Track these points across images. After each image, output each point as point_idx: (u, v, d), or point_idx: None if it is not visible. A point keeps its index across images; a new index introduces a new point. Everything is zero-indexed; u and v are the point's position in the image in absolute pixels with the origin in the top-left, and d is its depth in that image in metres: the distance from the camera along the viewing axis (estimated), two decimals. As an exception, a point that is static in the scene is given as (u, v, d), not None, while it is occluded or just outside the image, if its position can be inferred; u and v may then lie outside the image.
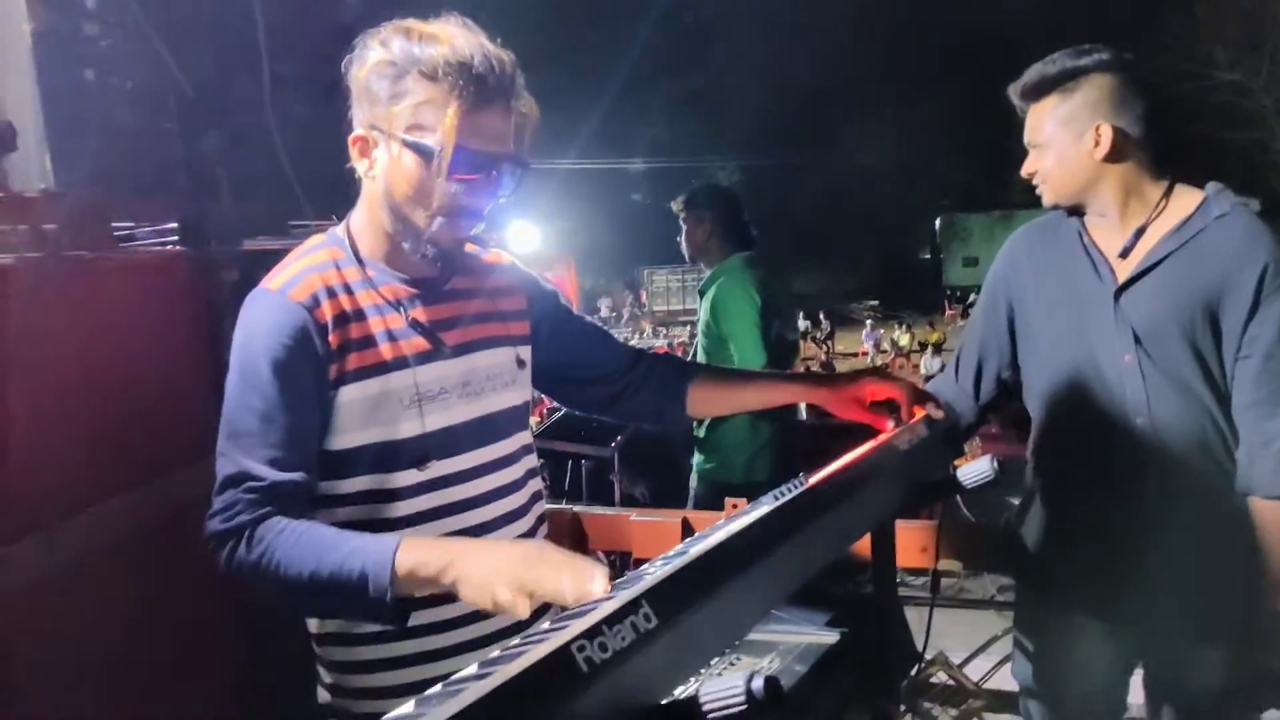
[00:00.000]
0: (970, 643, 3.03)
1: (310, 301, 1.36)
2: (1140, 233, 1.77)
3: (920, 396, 1.56)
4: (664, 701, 0.82)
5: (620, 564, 2.88)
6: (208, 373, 1.71)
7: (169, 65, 1.70)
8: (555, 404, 4.68)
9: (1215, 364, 1.71)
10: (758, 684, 0.79)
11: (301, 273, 1.39)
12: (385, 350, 1.40)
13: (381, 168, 1.38)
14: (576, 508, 2.64)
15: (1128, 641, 1.87)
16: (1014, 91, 1.86)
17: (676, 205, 3.83)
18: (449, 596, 1.36)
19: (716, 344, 3.66)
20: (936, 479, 1.47)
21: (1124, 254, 1.78)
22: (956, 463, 1.55)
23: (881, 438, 1.42)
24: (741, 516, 1.08)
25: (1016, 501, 2.01)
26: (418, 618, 1.33)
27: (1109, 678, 1.93)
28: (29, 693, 1.41)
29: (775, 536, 1.03)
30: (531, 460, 1.61)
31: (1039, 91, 1.81)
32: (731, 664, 1.31)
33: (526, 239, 6.52)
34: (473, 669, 0.86)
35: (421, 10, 1.37)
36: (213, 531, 1.29)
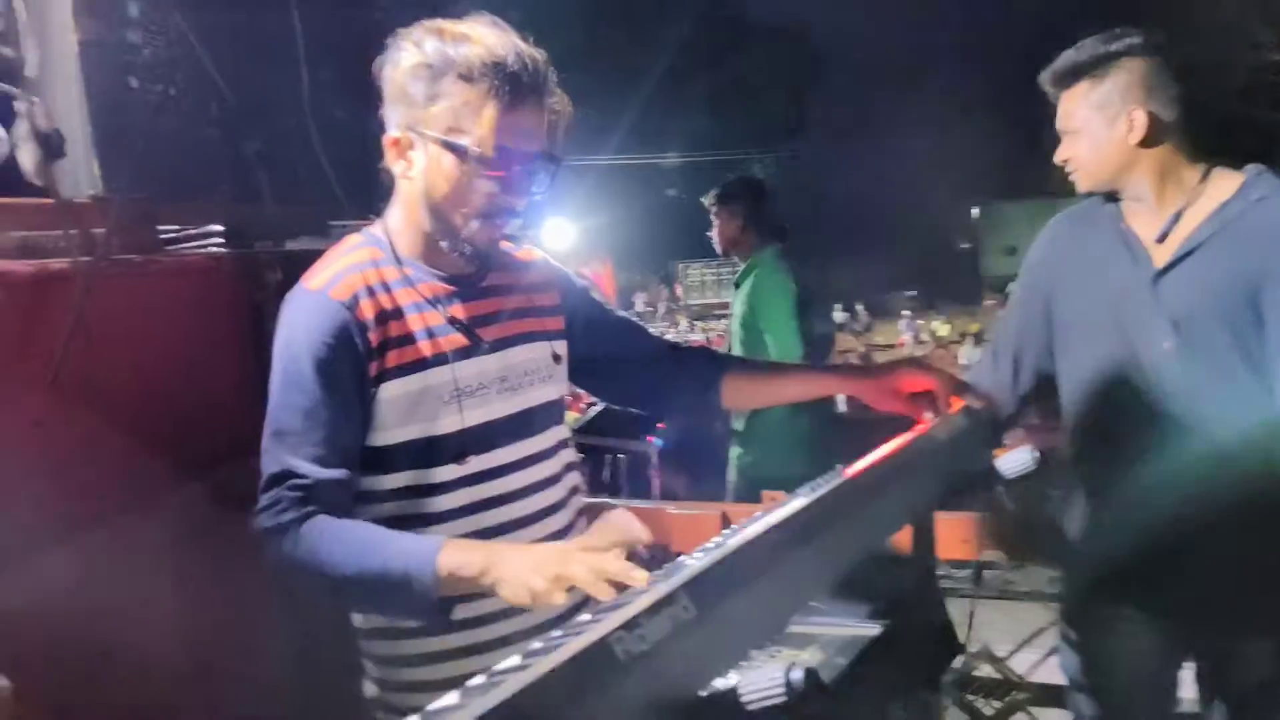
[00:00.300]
0: (1017, 636, 3.00)
1: (351, 300, 1.38)
2: (1178, 217, 1.74)
3: (958, 387, 1.55)
4: (703, 693, 0.83)
5: (659, 557, 2.88)
6: (253, 371, 1.74)
7: (210, 72, 1.74)
8: (593, 399, 4.71)
9: (1257, 349, 1.68)
10: (797, 675, 0.80)
11: (341, 272, 1.41)
12: (425, 347, 1.42)
13: (419, 169, 1.39)
14: (615, 502, 2.65)
15: (1177, 633, 1.84)
16: (1045, 79, 1.84)
17: (709, 200, 3.83)
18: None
19: (752, 336, 3.66)
20: (976, 470, 1.46)
21: (1161, 239, 1.75)
22: (996, 453, 1.54)
23: (919, 429, 1.41)
24: (779, 509, 1.08)
25: (1059, 493, 1.99)
26: (462, 611, 1.34)
27: (1159, 670, 1.90)
28: (80, 691, 1.45)
29: (812, 528, 1.03)
30: (569, 454, 1.62)
31: (1070, 78, 1.79)
32: (772, 656, 1.31)
33: (562, 236, 6.54)
34: (514, 660, 0.88)
35: (457, 10, 1.39)
36: (259, 529, 1.31)
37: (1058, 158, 1.85)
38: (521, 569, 1.18)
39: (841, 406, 4.25)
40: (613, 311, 1.73)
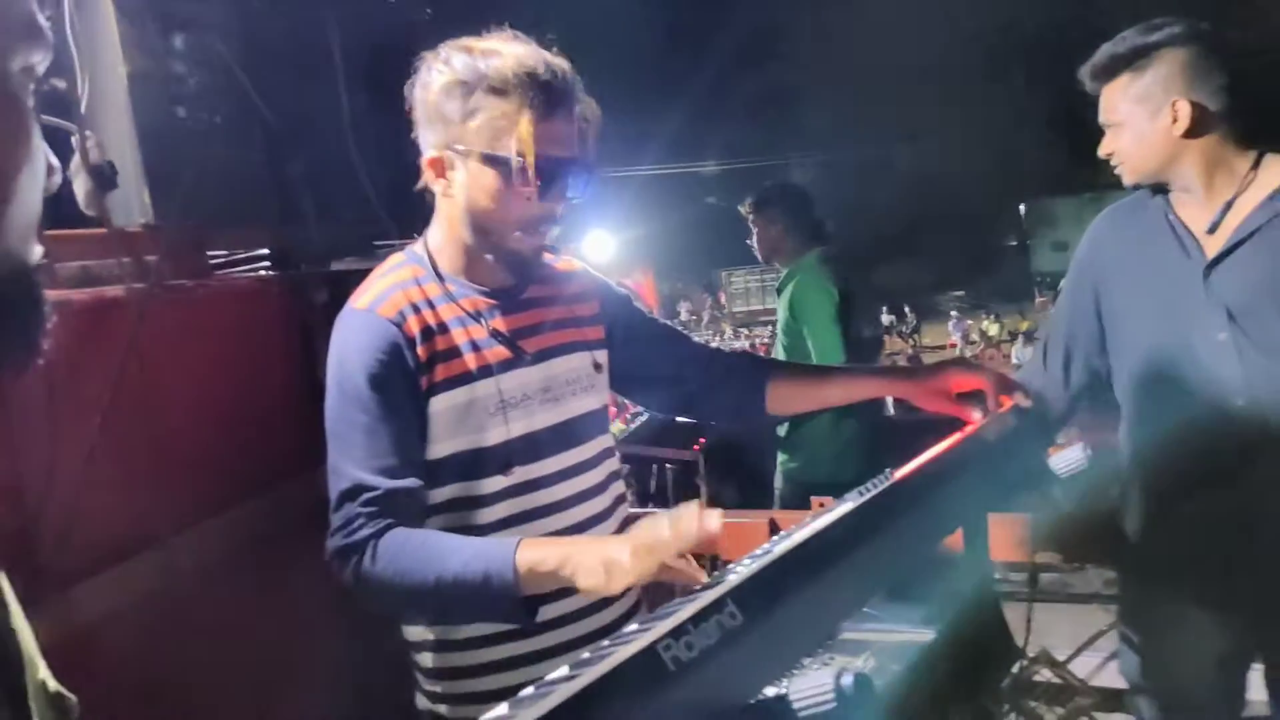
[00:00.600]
0: (1076, 639, 2.93)
1: (398, 317, 1.40)
2: (1228, 206, 1.70)
3: (1007, 386, 1.52)
4: (753, 700, 0.82)
5: (709, 566, 2.87)
6: (304, 389, 1.78)
7: (253, 99, 1.78)
8: (638, 409, 4.71)
9: None
10: (847, 681, 0.79)
11: (387, 290, 1.44)
12: (470, 360, 1.43)
13: (460, 186, 1.41)
14: (661, 512, 2.64)
15: (1244, 632, 1.79)
16: (1084, 73, 1.82)
17: (745, 208, 3.81)
18: (544, 599, 1.38)
19: (796, 342, 3.63)
20: (1028, 470, 1.44)
21: (1212, 229, 1.72)
22: (1049, 452, 1.51)
23: (968, 429, 1.39)
24: (827, 514, 1.07)
25: (1115, 490, 1.94)
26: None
27: (1222, 671, 1.84)
28: (148, 702, 1.48)
29: (861, 533, 1.02)
30: (613, 463, 1.62)
31: (1110, 72, 1.77)
32: (825, 664, 1.30)
33: (602, 248, 6.56)
34: (563, 670, 0.88)
35: (492, 25, 1.40)
36: (335, 548, 1.33)
37: (1102, 152, 1.82)
38: (600, 555, 1.20)
39: (890, 409, 4.20)
40: (653, 319, 1.74)
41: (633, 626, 1.18)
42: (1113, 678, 2.62)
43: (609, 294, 1.67)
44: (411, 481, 1.36)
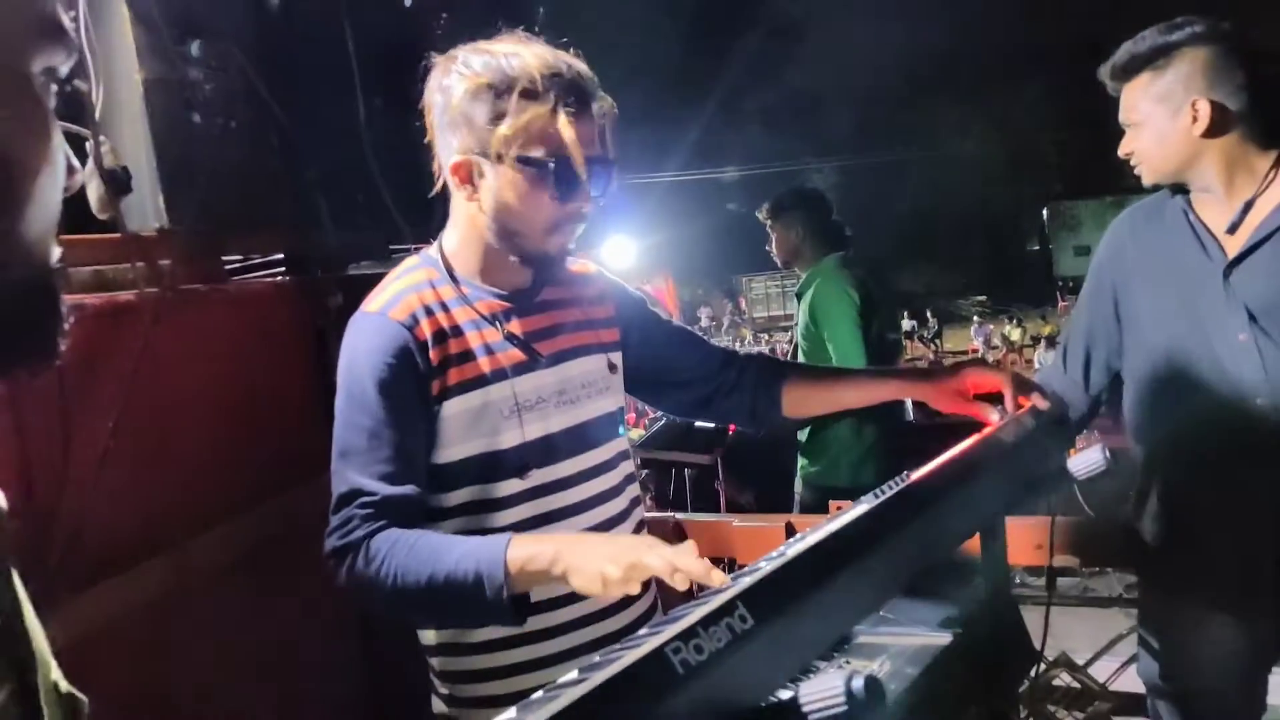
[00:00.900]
0: (1096, 643, 2.90)
1: (410, 320, 1.40)
2: (1249, 206, 1.68)
3: (1025, 387, 1.50)
4: (763, 704, 0.81)
5: (726, 570, 2.85)
6: (318, 394, 1.78)
7: (269, 104, 1.78)
8: (657, 414, 4.70)
9: None
10: (858, 684, 0.77)
11: (400, 293, 1.43)
12: (484, 364, 1.43)
13: (489, 189, 1.39)
14: (679, 515, 2.63)
15: (1262, 634, 1.75)
16: (1104, 72, 1.80)
17: (763, 214, 3.80)
18: (558, 602, 1.37)
19: (816, 346, 3.61)
20: (1047, 472, 1.42)
21: (1232, 229, 1.70)
22: (1067, 454, 1.49)
23: (986, 431, 1.37)
24: (841, 516, 1.06)
25: (1134, 493, 1.92)
26: (530, 624, 1.34)
27: (1243, 674, 1.81)
28: (159, 705, 1.48)
29: (875, 535, 1.00)
30: (629, 466, 1.61)
31: (1129, 71, 1.75)
32: (840, 667, 1.28)
33: (623, 254, 6.56)
34: (573, 674, 0.87)
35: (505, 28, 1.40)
36: (331, 548, 1.33)
37: (1121, 151, 1.81)
38: (594, 556, 1.17)
39: (910, 414, 4.17)
40: (669, 322, 1.73)
41: (644, 631, 1.18)
42: (1132, 682, 2.59)
43: (624, 296, 1.66)
44: (410, 489, 1.35)
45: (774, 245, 3.77)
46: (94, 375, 1.39)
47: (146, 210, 1.63)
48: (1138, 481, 1.90)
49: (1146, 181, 1.80)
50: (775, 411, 1.68)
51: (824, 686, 0.78)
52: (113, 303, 1.47)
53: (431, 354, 1.39)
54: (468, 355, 1.42)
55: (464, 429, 1.41)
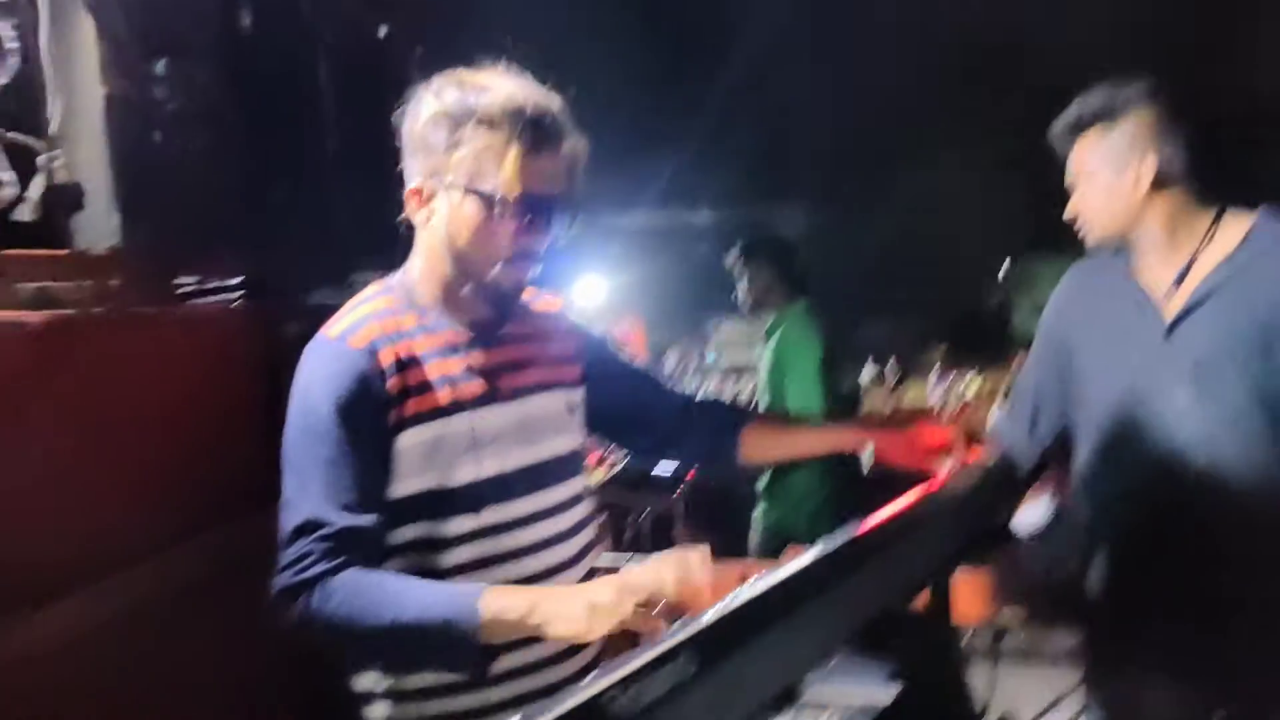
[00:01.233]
0: (1043, 701, 2.89)
1: (370, 347, 1.37)
2: (1189, 265, 1.72)
3: (973, 440, 1.52)
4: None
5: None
6: (269, 424, 1.74)
7: (232, 127, 1.77)
8: (619, 455, 4.67)
9: (1277, 398, 1.63)
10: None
11: (360, 320, 1.41)
12: (443, 395, 1.40)
13: (441, 217, 1.39)
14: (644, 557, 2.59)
15: (1207, 690, 1.76)
16: (1055, 131, 1.84)
17: (731, 257, 3.83)
18: (503, 649, 1.34)
19: (778, 392, 3.63)
20: (994, 525, 1.42)
21: (1174, 288, 1.73)
22: (1014, 508, 1.50)
23: (935, 482, 1.38)
24: (788, 566, 1.05)
25: (1077, 548, 1.93)
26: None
27: None
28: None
29: (820, 583, 1.00)
30: (586, 507, 1.59)
31: (1079, 128, 1.79)
32: (786, 722, 1.26)
33: (594, 293, 6.56)
34: (511, 721, 0.85)
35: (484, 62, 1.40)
36: (283, 585, 1.27)
37: (1068, 214, 1.84)
38: (574, 603, 1.18)
39: (867, 465, 4.18)
40: (630, 363, 1.73)
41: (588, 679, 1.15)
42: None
43: (586, 335, 1.66)
44: (370, 519, 1.32)
45: (742, 289, 3.80)
46: (35, 395, 1.35)
47: (102, 228, 1.60)
48: (1083, 538, 1.91)
49: (1091, 244, 1.84)
50: (731, 454, 1.68)
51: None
52: (56, 321, 1.43)
53: (391, 382, 1.36)
54: (426, 386, 1.40)
55: (419, 462, 1.38)
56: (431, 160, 1.37)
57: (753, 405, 4.14)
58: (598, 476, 4.64)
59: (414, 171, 1.40)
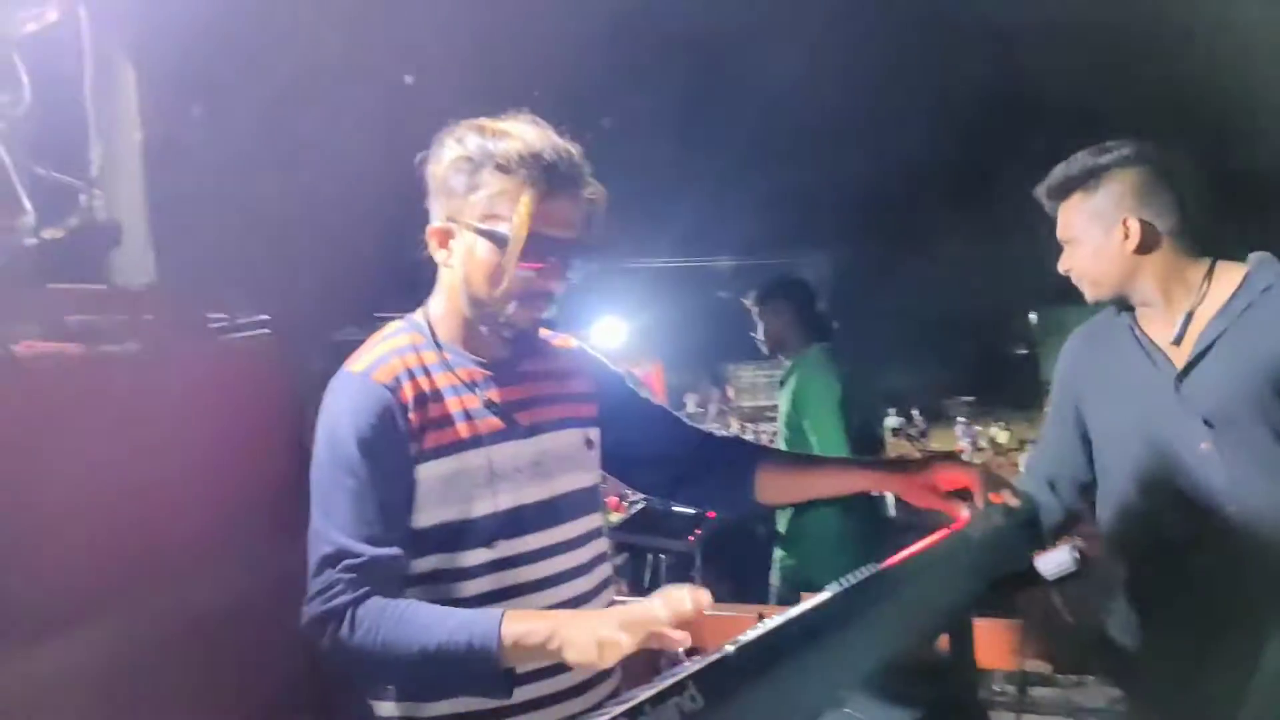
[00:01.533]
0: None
1: (393, 383, 1.41)
2: (1189, 318, 1.74)
3: (995, 484, 1.51)
4: (709, 790, 0.80)
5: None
6: (296, 455, 1.77)
7: (265, 170, 1.82)
8: (637, 496, 4.66)
9: None
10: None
11: (383, 356, 1.45)
12: (462, 429, 1.43)
13: (459, 257, 1.44)
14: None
15: None
16: (1040, 193, 1.87)
17: (749, 301, 3.83)
18: (522, 679, 1.34)
19: (797, 435, 3.61)
20: (1015, 570, 1.41)
21: (1177, 341, 1.75)
22: (1036, 554, 1.49)
23: (953, 526, 1.38)
24: (805, 604, 1.06)
25: (1106, 601, 1.91)
26: (491, 700, 1.32)
27: None
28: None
29: (833, 624, 1.00)
30: (601, 544, 1.60)
31: (1063, 192, 1.83)
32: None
33: (614, 335, 6.61)
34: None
35: (505, 110, 1.45)
36: (313, 615, 1.30)
37: (1060, 268, 1.87)
38: (587, 631, 1.19)
39: (891, 509, 4.15)
40: (646, 400, 1.74)
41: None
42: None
43: (604, 372, 1.68)
44: (394, 550, 1.35)
45: (760, 332, 3.80)
46: (70, 427, 1.38)
47: (138, 266, 1.65)
48: (1110, 586, 1.89)
49: (1089, 299, 1.87)
50: (748, 496, 1.68)
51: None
52: (93, 354, 1.47)
53: (411, 416, 1.40)
54: (446, 420, 1.43)
55: (437, 494, 1.41)
56: (452, 202, 1.42)
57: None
58: (616, 517, 4.63)
59: (436, 212, 1.46)
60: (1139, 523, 1.80)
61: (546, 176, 1.38)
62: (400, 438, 1.39)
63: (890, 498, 3.76)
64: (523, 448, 1.48)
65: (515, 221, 1.37)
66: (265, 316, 1.94)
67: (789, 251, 7.35)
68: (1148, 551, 1.81)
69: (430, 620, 1.28)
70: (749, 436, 6.87)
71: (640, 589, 4.42)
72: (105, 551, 1.51)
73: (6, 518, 1.35)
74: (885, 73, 4.64)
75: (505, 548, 1.44)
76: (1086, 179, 1.80)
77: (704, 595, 1.16)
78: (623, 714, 0.75)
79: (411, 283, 1.57)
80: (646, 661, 1.25)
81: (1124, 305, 1.85)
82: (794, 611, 0.99)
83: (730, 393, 8.05)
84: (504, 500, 1.44)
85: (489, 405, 1.47)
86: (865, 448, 3.60)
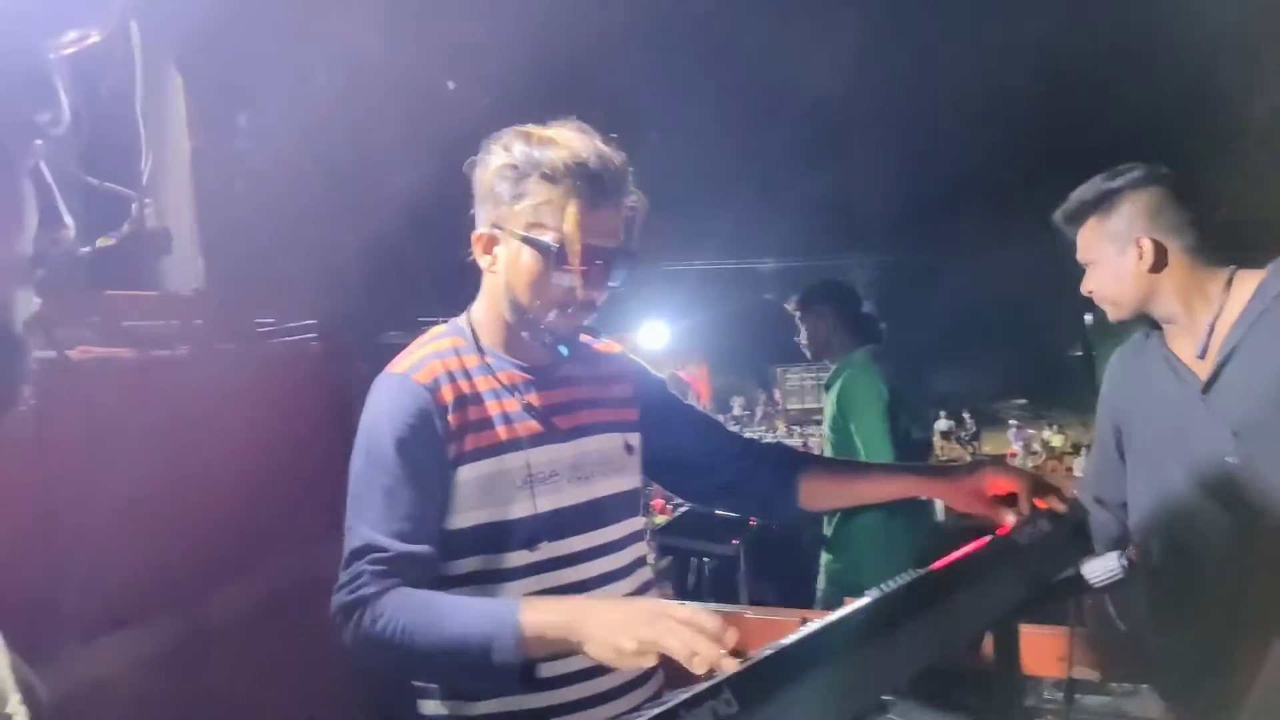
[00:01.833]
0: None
1: (433, 384, 1.43)
2: (1210, 330, 1.75)
3: (1042, 489, 1.48)
4: (745, 795, 0.79)
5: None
6: (341, 459, 1.80)
7: (310, 177, 1.85)
8: (680, 500, 4.65)
9: None
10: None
11: (425, 358, 1.47)
12: (501, 432, 1.45)
13: (503, 263, 1.45)
14: (696, 605, 2.57)
15: None
16: (1057, 218, 1.91)
17: (792, 305, 3.80)
18: (564, 680, 1.35)
19: (844, 439, 3.57)
20: (1060, 576, 1.38)
21: (1201, 355, 1.75)
22: (1083, 561, 1.45)
23: (999, 531, 1.35)
24: (846, 608, 1.04)
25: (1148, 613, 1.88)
26: (537, 700, 1.35)
27: None
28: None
29: (874, 628, 0.99)
30: (641, 548, 1.61)
31: (1079, 216, 1.87)
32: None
33: (659, 338, 6.60)
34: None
35: (553, 116, 1.46)
36: (339, 604, 1.33)
37: (1083, 289, 1.90)
38: (610, 629, 1.15)
39: (939, 515, 4.09)
40: (689, 407, 1.74)
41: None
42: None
43: (645, 377, 1.69)
44: (423, 548, 1.36)
45: (804, 336, 3.77)
46: (124, 428, 1.42)
47: (189, 272, 1.69)
48: (1156, 595, 1.86)
49: (1112, 318, 1.89)
50: (790, 502, 1.67)
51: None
52: (145, 358, 1.51)
53: (451, 418, 1.42)
54: (486, 423, 1.45)
55: (476, 496, 1.42)
56: (497, 209, 1.44)
57: (817, 452, 4.09)
58: (661, 519, 4.63)
59: (481, 219, 1.48)
60: (1173, 536, 1.80)
61: (591, 187, 1.39)
62: (437, 438, 1.41)
63: (938, 503, 3.71)
64: (561, 451, 1.48)
65: (559, 231, 1.38)
66: (312, 321, 1.97)
67: (837, 253, 7.27)
68: (1181, 565, 1.80)
69: (450, 610, 1.28)
70: (796, 440, 6.82)
71: (684, 592, 4.41)
72: (157, 551, 1.55)
73: (64, 518, 1.39)
74: (935, 74, 4.59)
75: (547, 550, 1.45)
76: (1100, 202, 1.83)
77: (732, 634, 1.07)
78: (657, 717, 0.75)
79: (456, 287, 1.59)
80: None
81: (1154, 323, 1.88)
82: (833, 617, 0.98)
83: (777, 395, 7.99)
84: (543, 503, 1.45)
85: (528, 408, 1.48)
86: (912, 451, 3.56)
